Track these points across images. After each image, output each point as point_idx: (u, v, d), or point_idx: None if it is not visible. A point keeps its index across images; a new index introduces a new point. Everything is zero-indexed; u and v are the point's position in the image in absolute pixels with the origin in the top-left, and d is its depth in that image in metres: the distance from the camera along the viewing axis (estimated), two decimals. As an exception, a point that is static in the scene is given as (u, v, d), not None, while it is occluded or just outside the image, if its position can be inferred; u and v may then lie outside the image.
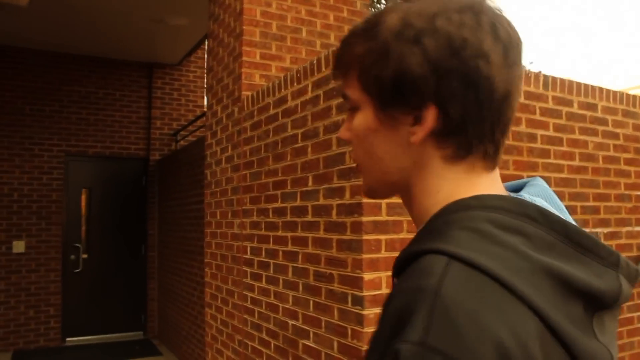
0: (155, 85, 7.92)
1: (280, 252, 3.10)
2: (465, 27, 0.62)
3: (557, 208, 0.69)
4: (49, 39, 6.88)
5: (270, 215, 3.24)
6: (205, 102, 4.46)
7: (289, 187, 3.04)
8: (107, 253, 7.48)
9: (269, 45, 3.87)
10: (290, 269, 2.98)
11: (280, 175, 3.14)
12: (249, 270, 3.52)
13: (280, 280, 3.08)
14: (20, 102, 7.14)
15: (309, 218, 2.81)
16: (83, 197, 7.48)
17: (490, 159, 0.67)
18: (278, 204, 3.15)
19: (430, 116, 0.64)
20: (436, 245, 0.58)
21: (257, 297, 3.36)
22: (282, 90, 3.16)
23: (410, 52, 0.63)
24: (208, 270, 4.30)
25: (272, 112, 3.28)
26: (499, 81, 0.63)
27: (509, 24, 0.65)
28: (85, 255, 7.36)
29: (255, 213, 3.46)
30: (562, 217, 0.63)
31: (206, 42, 4.28)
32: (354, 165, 0.87)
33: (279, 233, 3.12)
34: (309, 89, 2.88)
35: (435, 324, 0.50)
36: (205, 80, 4.16)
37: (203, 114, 7.51)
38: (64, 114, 7.36)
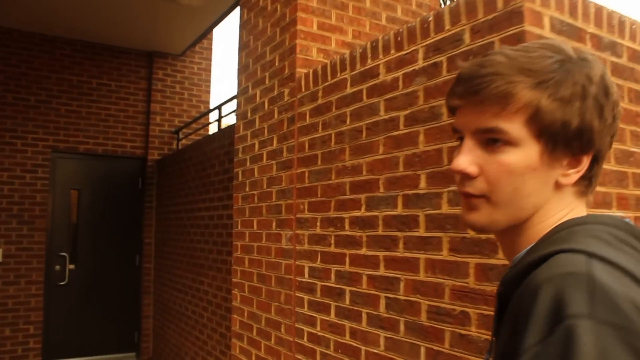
0: (156, 77, 7.07)
1: (365, 277, 2.30)
2: (616, 90, 0.74)
3: None
4: (37, 18, 6.01)
5: (347, 226, 2.45)
6: (237, 85, 3.65)
7: (381, 190, 2.25)
8: (96, 263, 6.58)
9: (328, 14, 3.09)
10: (382, 301, 2.18)
11: (365, 173, 2.35)
12: (306, 297, 2.72)
13: (364, 316, 2.29)
14: (1, 89, 6.23)
15: (421, 232, 2.02)
16: (71, 200, 6.58)
17: (593, 190, 0.79)
18: (361, 212, 2.36)
19: (586, 162, 0.74)
20: (568, 246, 0.64)
21: (321, 333, 2.56)
22: (369, 60, 2.38)
23: (594, 109, 0.71)
24: (237, 293, 3.48)
25: (350, 90, 2.50)
26: None
27: None
28: (72, 266, 6.45)
29: (318, 223, 2.67)
30: None
31: (240, 14, 3.47)
32: (478, 198, 0.76)
33: (362, 251, 2.33)
34: (419, 56, 2.10)
35: (598, 301, 0.54)
36: (237, 60, 3.33)
37: (209, 111, 6.72)
38: (52, 105, 6.47)
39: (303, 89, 2.89)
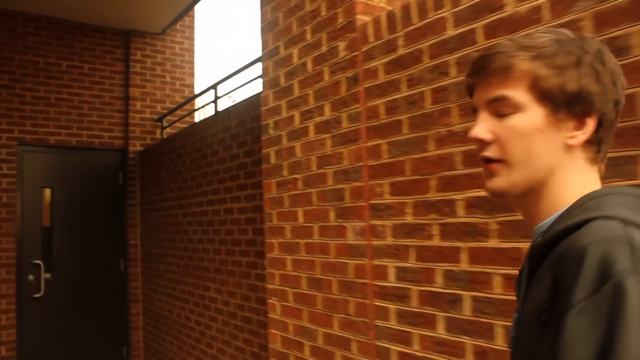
0: (134, 58, 6.28)
1: (498, 278, 1.69)
2: (617, 65, 0.82)
3: None
4: (-3, -11, 5.17)
5: (461, 211, 1.83)
6: (261, 46, 2.98)
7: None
8: (76, 271, 5.78)
9: (389, -52, 2.45)
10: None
11: (492, 138, 1.73)
12: (393, 307, 2.09)
13: (498, 329, 1.67)
14: (-45, 74, 5.37)
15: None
16: (43, 200, 5.76)
17: (605, 165, 0.85)
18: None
19: (591, 124, 0.79)
20: (602, 214, 0.69)
21: (423, 354, 1.94)
22: (490, -14, 1.76)
23: (590, 74, 0.78)
24: (276, 303, 2.82)
25: (453, 32, 1.87)
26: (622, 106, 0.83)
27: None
28: (47, 275, 5.64)
29: (410, 210, 2.04)
30: None
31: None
32: (496, 163, 0.82)
33: (491, 243, 1.71)
34: (588, -35, 1.49)
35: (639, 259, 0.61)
36: (260, 16, 2.64)
37: (194, 96, 5.99)
38: (16, 91, 5.63)
39: (372, 39, 2.24)
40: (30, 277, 5.53)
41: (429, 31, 1.97)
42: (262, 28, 3.01)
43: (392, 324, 2.09)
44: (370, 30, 2.24)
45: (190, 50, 6.66)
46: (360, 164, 2.26)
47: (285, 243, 2.76)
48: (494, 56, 0.82)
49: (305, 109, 2.62)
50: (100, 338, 5.83)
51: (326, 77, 2.50)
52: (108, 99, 6.12)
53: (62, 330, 5.60)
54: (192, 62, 6.66)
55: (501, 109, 0.81)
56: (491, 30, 1.75)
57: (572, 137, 0.79)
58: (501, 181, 0.82)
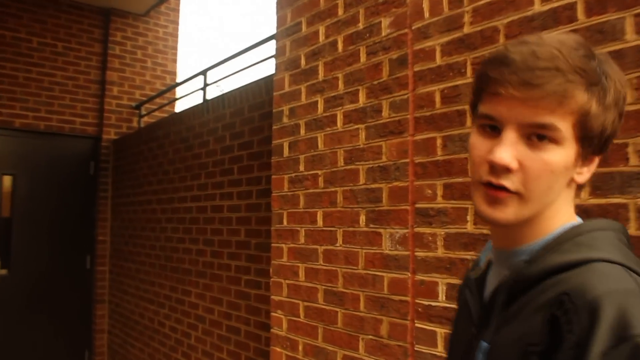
0: (113, 40, 5.81)
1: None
2: None
3: None
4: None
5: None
6: (277, 23, 2.63)
7: (632, 162, 1.33)
8: (36, 267, 5.26)
9: None
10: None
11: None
12: (440, 330, 1.76)
13: None
14: None
15: None
16: (2, 188, 5.23)
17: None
18: (584, 198, 1.42)
19: (597, 162, 0.77)
20: (600, 255, 0.68)
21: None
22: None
23: (618, 117, 0.74)
24: (282, 316, 2.45)
25: (540, 7, 1.56)
26: None
27: None
28: (3, 272, 5.11)
29: (471, 217, 1.71)
30: None
31: None
32: (508, 193, 0.72)
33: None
34: None
35: None
36: None
37: (176, 84, 5.57)
38: (-20, 67, 5.10)
39: (427, 15, 1.91)
40: (-15, 272, 4.99)
41: (509, 6, 1.65)
42: (278, 2, 2.65)
43: (439, 350, 1.76)
44: (426, 5, 1.91)
45: (175, 35, 6.23)
46: (405, 160, 1.92)
47: (298, 249, 2.39)
48: (552, 73, 0.69)
49: (333, 94, 2.27)
50: (60, 341, 5.31)
51: (362, 58, 2.15)
52: (83, 82, 5.64)
53: (18, 333, 5.07)
54: (175, 48, 6.22)
55: (538, 136, 0.71)
56: (597, 6, 1.44)
57: (580, 174, 0.76)
58: (509, 214, 0.73)
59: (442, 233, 1.79)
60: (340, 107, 2.23)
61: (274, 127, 2.62)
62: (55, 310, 5.30)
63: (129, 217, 5.23)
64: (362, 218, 2.09)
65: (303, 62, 2.47)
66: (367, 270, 2.04)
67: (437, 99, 1.85)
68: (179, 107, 6.11)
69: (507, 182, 0.72)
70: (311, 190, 2.35)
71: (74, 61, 5.60)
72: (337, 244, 2.19)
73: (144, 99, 5.86)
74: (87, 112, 5.64)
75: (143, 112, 5.83)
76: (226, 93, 3.81)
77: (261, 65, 3.89)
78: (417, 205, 1.88)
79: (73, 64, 5.59)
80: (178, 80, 6.17)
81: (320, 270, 2.25)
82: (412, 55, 1.96)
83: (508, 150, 0.71)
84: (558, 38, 0.73)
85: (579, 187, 0.78)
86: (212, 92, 4.40)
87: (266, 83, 3.37)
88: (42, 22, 5.44)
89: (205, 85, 4.56)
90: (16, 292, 5.12)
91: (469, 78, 1.76)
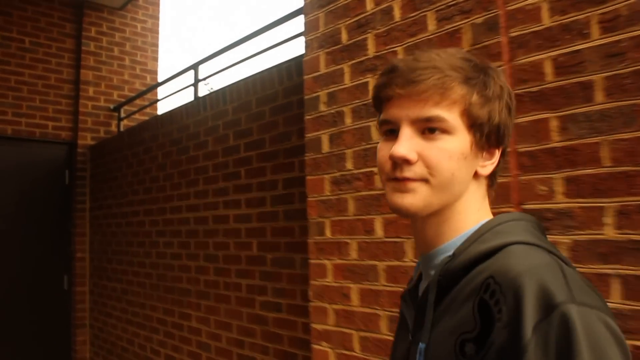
0: (87, 35, 5.27)
1: None
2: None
3: None
4: None
5: None
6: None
7: None
8: (7, 289, 4.66)
9: None
10: None
11: None
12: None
13: None
14: None
15: None
16: (-34, 201, 4.63)
17: (494, 192, 0.86)
18: None
19: (497, 156, 0.82)
20: (516, 239, 0.72)
21: None
22: None
23: (506, 108, 0.80)
24: (328, 350, 1.99)
25: None
26: None
27: None
28: (-31, 296, 4.51)
29: (610, 219, 1.30)
30: None
31: None
32: (414, 181, 0.77)
33: None
34: None
35: (572, 287, 0.63)
36: None
37: (157, 84, 5.07)
38: (-64, 66, 4.51)
39: (528, -38, 1.49)
40: (-53, 298, 4.39)
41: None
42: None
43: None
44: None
45: (154, 31, 5.71)
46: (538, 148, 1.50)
47: (348, 265, 1.94)
48: (430, 70, 0.77)
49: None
50: (35, 373, 4.72)
51: (431, 26, 1.72)
52: (54, 82, 5.08)
53: (-14, 365, 4.48)
54: (155, 45, 5.71)
55: (427, 128, 0.77)
56: None
57: (483, 166, 0.81)
58: (417, 199, 0.77)
59: (568, 241, 1.37)
60: (400, 89, 1.80)
61: (308, 117, 2.17)
62: (29, 337, 4.71)
63: (110, 231, 4.69)
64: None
65: (344, 36, 2.03)
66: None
67: (549, 69, 1.44)
68: (162, 109, 5.60)
69: (410, 173, 0.76)
70: (364, 193, 1.90)
71: (43, 58, 5.04)
72: (406, 259, 1.75)
73: (123, 100, 5.33)
74: (60, 115, 5.08)
75: (122, 114, 5.29)
76: (227, 86, 3.34)
77: (263, 57, 3.44)
78: (526, 206, 1.46)
79: (43, 62, 5.03)
80: (159, 80, 5.65)
81: (382, 292, 1.81)
82: (505, 18, 1.54)
83: (404, 144, 0.76)
84: (442, 49, 0.82)
85: (490, 185, 0.84)
86: (200, 92, 3.91)
87: (279, 71, 2.92)
88: (6, 14, 4.87)
89: (197, 81, 4.09)
90: (-16, 320, 4.52)
91: (596, 40, 1.35)
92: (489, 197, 0.84)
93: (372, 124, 1.91)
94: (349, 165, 1.97)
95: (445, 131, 0.76)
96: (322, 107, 2.12)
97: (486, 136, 0.78)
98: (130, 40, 5.53)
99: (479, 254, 0.72)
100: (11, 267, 4.70)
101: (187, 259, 3.58)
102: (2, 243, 4.68)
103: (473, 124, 0.77)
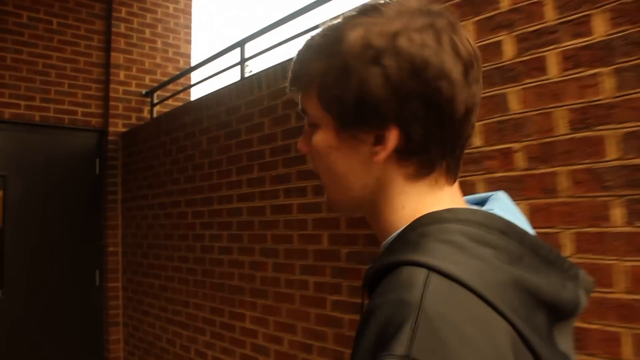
0: (118, 16, 4.95)
1: None
2: (426, 47, 0.61)
3: (520, 221, 0.67)
4: None
5: None
6: None
7: None
8: (35, 287, 4.38)
9: None
10: None
11: None
12: None
13: None
14: None
15: None
16: (-7, 192, 4.35)
17: (452, 174, 0.68)
18: None
19: (392, 137, 0.63)
20: (414, 257, 0.57)
21: None
22: None
23: (371, 74, 0.62)
24: None
25: None
26: (459, 101, 0.62)
27: (468, 40, 0.64)
28: (-3, 293, 4.24)
29: None
30: (527, 230, 0.64)
31: None
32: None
33: None
34: None
35: (420, 336, 0.49)
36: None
37: (191, 69, 4.76)
38: (-40, 47, 4.21)
39: None
40: (-26, 295, 4.11)
41: None
42: None
43: None
44: None
45: (187, 12, 5.39)
46: None
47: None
48: (295, 60, 0.71)
49: (534, 28, 1.50)
50: (67, 374, 4.44)
51: (599, -36, 1.38)
52: (83, 65, 4.77)
53: (16, 367, 4.20)
54: (188, 27, 5.38)
55: (308, 123, 0.72)
56: None
57: (373, 153, 0.66)
58: (326, 196, 0.74)
59: None
60: (553, 46, 1.46)
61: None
62: (60, 336, 4.43)
63: (146, 224, 4.39)
64: (617, 212, 1.32)
65: (466, -12, 1.69)
66: (633, 294, 1.28)
67: None
68: (196, 95, 5.29)
69: (310, 165, 0.74)
70: (500, 174, 1.57)
71: (72, 40, 4.73)
72: (564, 252, 1.41)
73: (155, 84, 5.02)
74: (90, 101, 4.77)
75: (155, 100, 4.98)
76: (285, 61, 3.01)
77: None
78: None
79: (71, 44, 4.72)
80: (192, 64, 5.33)
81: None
82: None
83: (301, 138, 0.73)
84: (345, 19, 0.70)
85: (418, 175, 0.66)
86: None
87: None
88: (34, -5, 4.57)
89: (243, 59, 3.76)
90: (13, 318, 4.24)
91: None
92: (436, 187, 0.67)
93: (509, 91, 1.57)
94: (478, 141, 1.63)
95: (315, 125, 0.70)
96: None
97: (353, 119, 0.65)
98: (162, 22, 5.21)
99: (380, 269, 0.62)
100: (42, 261, 4.41)
101: (238, 254, 3.26)
102: (29, 237, 4.39)
103: (329, 109, 0.67)
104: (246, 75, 3.58)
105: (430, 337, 0.50)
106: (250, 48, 3.81)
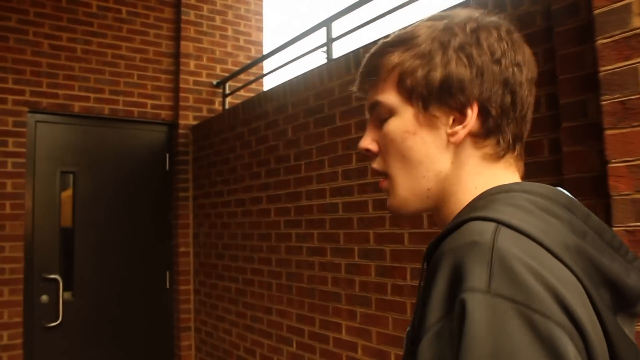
0: (187, 3, 4.69)
1: None
2: (502, 41, 0.69)
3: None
4: None
5: None
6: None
7: None
8: (105, 289, 4.14)
9: None
10: None
11: None
12: None
13: None
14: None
15: None
16: (62, 190, 4.13)
17: (521, 159, 0.73)
18: None
19: (473, 115, 0.68)
20: (482, 214, 0.59)
21: None
22: None
23: (457, 58, 0.68)
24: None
25: None
26: (526, 88, 0.70)
27: (525, 45, 0.72)
28: (67, 295, 4.01)
29: None
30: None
31: None
32: (385, 179, 0.75)
33: None
34: None
35: (497, 272, 0.51)
36: None
37: (263, 57, 4.42)
38: (29, 37, 4.01)
39: None
40: (44, 297, 3.90)
41: None
42: None
43: None
44: None
45: (258, -2, 5.08)
46: None
47: None
48: (366, 59, 0.77)
49: None
50: (138, 383, 4.18)
51: None
52: (152, 55, 4.52)
53: (87, 374, 3.97)
54: (259, 14, 5.07)
55: (380, 116, 0.75)
56: None
57: (452, 133, 0.70)
58: (392, 199, 0.75)
59: None
60: None
61: (603, 39, 1.41)
62: (129, 340, 4.18)
63: (221, 222, 4.08)
64: None
65: None
66: None
67: None
68: (268, 85, 4.97)
69: (375, 164, 0.76)
70: None
71: (141, 29, 4.48)
72: None
73: (227, 74, 4.72)
74: (160, 93, 4.51)
75: (227, 90, 4.68)
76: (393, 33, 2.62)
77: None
78: None
79: (140, 33, 4.48)
80: (264, 52, 5.01)
81: None
82: None
83: (365, 136, 0.76)
84: (423, 19, 0.76)
85: (494, 155, 0.70)
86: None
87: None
88: (102, -18, 4.34)
89: (330, 40, 3.39)
90: (83, 321, 4.02)
91: None
92: (507, 167, 0.70)
93: None
94: None
95: (390, 115, 0.72)
96: (636, 21, 1.35)
97: (436, 100, 0.69)
98: (233, 8, 4.91)
99: (443, 233, 0.62)
100: (111, 263, 4.17)
101: (332, 255, 2.89)
102: (99, 237, 4.16)
103: (411, 94, 0.70)
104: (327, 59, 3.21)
105: (507, 273, 0.51)
106: (337, 27, 3.43)
